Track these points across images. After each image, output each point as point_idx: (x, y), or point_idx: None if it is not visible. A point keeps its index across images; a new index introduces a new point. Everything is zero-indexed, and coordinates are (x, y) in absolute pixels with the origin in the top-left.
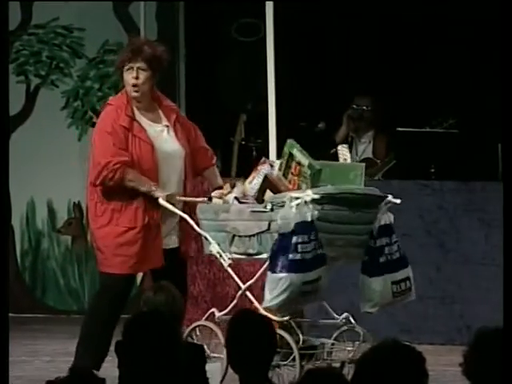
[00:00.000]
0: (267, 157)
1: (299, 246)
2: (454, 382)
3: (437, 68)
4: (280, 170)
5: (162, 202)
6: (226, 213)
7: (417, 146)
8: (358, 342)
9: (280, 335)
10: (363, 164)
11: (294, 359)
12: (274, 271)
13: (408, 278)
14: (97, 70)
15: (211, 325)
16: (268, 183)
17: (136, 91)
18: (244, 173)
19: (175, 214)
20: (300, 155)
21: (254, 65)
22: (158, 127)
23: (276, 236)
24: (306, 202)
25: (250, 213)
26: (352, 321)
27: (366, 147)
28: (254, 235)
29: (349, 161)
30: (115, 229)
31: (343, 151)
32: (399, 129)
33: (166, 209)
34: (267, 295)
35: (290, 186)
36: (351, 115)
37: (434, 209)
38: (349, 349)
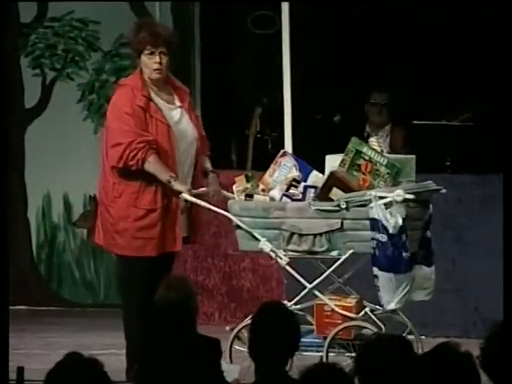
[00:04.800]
0: (282, 150)
1: (406, 243)
2: None
3: (453, 61)
4: (343, 166)
5: (186, 196)
6: (280, 210)
7: (433, 139)
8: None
9: (360, 326)
10: (414, 156)
11: None
12: (396, 272)
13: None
14: (112, 63)
15: None
16: (335, 181)
17: (159, 74)
18: (260, 166)
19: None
20: (373, 153)
21: (269, 57)
22: (172, 108)
23: (350, 233)
24: (396, 201)
25: (315, 211)
26: (399, 312)
27: (382, 142)
28: (321, 233)
29: (385, 151)
30: (135, 211)
31: (379, 142)
32: (415, 122)
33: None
34: (391, 296)
35: (361, 184)
36: (368, 112)
37: (450, 202)
38: None
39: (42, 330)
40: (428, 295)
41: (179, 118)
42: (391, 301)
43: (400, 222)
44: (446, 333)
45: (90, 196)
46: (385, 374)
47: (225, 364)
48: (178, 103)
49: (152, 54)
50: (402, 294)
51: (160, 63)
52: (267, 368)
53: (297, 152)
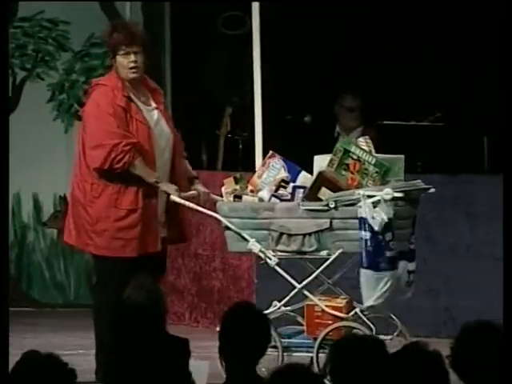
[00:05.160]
0: (253, 150)
1: (390, 243)
2: None
3: (422, 62)
4: (331, 166)
5: (175, 198)
6: (269, 211)
7: (403, 139)
8: (394, 334)
9: (350, 327)
10: (403, 156)
11: None
12: (375, 269)
13: (414, 272)
14: (82, 63)
15: None
16: (324, 180)
17: (134, 73)
18: (230, 166)
19: (164, 202)
20: (361, 153)
21: (239, 58)
22: (150, 109)
23: (339, 233)
24: (384, 200)
25: (304, 211)
26: (388, 312)
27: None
28: (310, 233)
29: (373, 152)
30: (115, 211)
31: (367, 142)
32: (385, 122)
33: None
34: (370, 293)
35: (349, 183)
36: (339, 115)
37: (421, 202)
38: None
39: (11, 331)
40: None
41: (157, 119)
42: (369, 297)
43: (385, 219)
44: (416, 332)
45: (60, 196)
46: (356, 373)
47: (193, 361)
48: (153, 104)
49: (127, 53)
50: (381, 291)
51: (135, 62)
52: (237, 368)
53: (268, 152)
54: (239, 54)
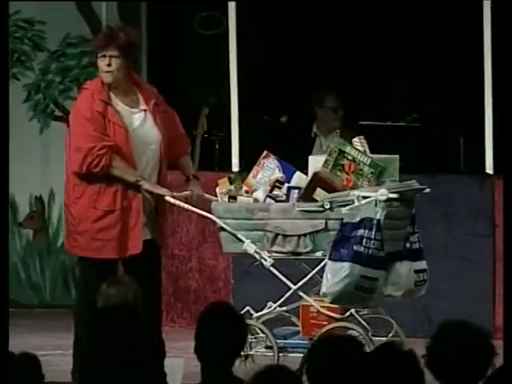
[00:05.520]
0: (229, 150)
1: (364, 239)
2: None
3: (399, 62)
4: (326, 167)
5: (169, 199)
6: (264, 212)
7: (379, 139)
8: (390, 334)
9: (345, 327)
10: (398, 156)
11: None
12: (335, 259)
13: (425, 270)
14: (58, 63)
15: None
16: (319, 181)
17: (109, 77)
18: (207, 166)
19: (152, 204)
20: (356, 153)
21: (216, 58)
22: (135, 112)
23: (334, 233)
24: (379, 200)
25: (299, 211)
26: (383, 313)
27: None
28: (305, 234)
29: (368, 151)
30: (93, 212)
31: (362, 143)
32: (362, 122)
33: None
34: (326, 282)
35: (345, 184)
36: (321, 116)
37: None
38: (383, 339)
39: None
40: (397, 291)
41: (141, 122)
42: (324, 285)
43: (359, 215)
44: (394, 332)
45: (36, 196)
46: (331, 373)
47: (168, 360)
48: (142, 106)
49: (103, 56)
50: (336, 280)
51: (109, 65)
52: (214, 368)
53: (244, 153)
54: (216, 54)
